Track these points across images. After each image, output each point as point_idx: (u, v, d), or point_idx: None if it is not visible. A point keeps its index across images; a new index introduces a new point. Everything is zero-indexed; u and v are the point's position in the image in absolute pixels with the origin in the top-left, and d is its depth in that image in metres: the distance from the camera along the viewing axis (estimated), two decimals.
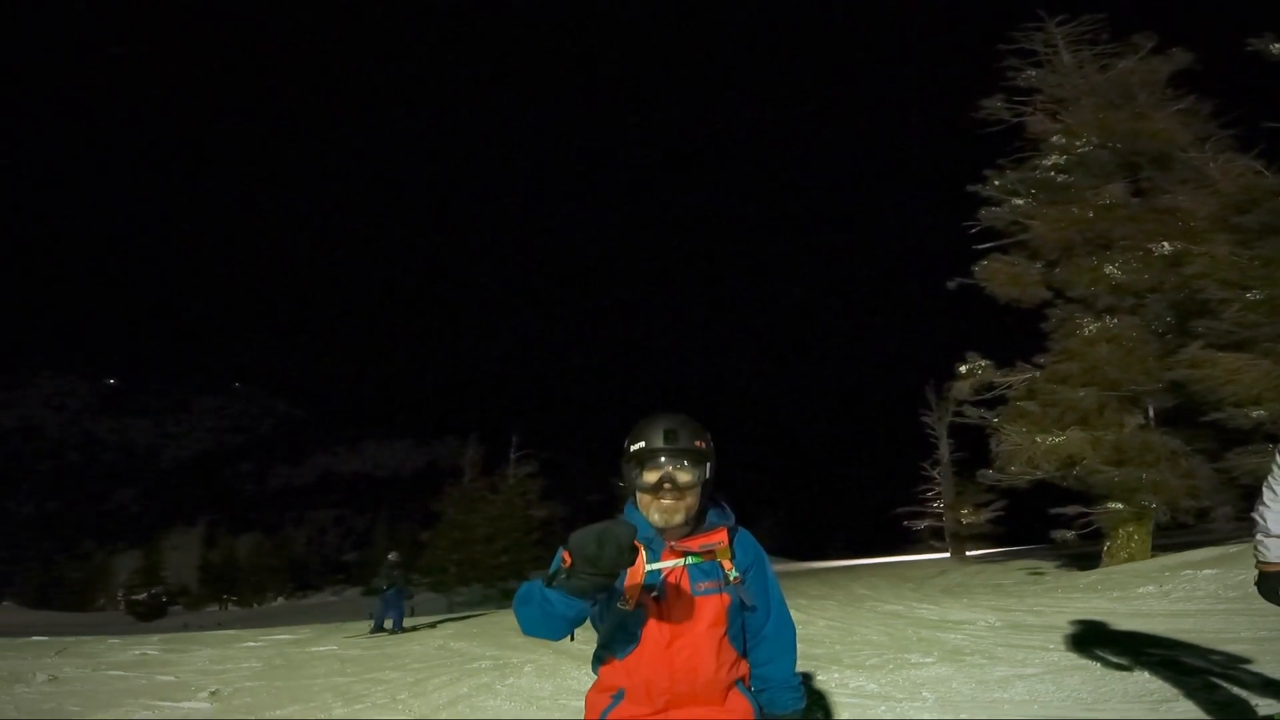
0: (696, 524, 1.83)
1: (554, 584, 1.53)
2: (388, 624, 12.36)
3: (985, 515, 21.39)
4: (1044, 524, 12.37)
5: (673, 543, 1.80)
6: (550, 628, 1.62)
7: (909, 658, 5.55)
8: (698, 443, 1.78)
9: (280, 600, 57.49)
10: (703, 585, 1.76)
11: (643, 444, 1.78)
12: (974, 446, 19.01)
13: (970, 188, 12.88)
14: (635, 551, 1.50)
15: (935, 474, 22.73)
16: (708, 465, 1.79)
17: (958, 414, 13.38)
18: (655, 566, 1.79)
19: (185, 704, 5.01)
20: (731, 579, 1.79)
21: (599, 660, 1.87)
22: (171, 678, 6.17)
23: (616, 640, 1.81)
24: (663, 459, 1.76)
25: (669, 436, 1.76)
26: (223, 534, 70.82)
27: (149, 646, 8.49)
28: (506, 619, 12.42)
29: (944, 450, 22.27)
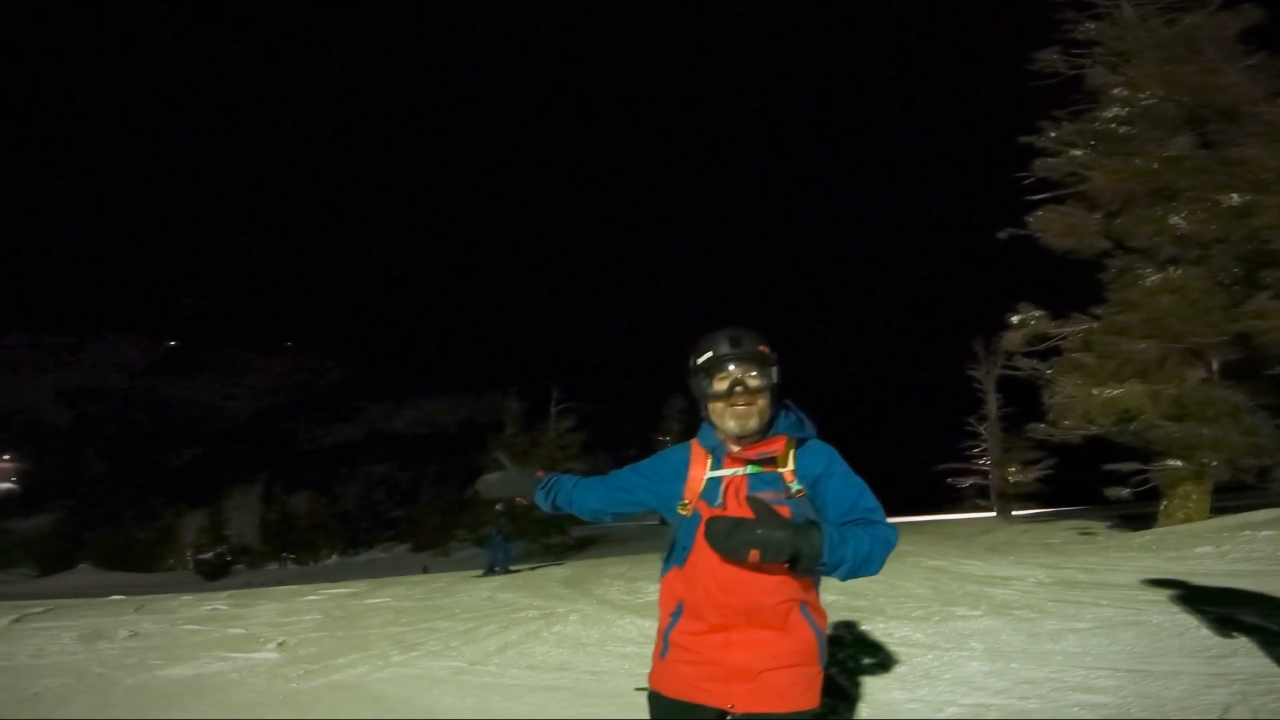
0: (764, 432, 1.80)
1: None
2: (496, 567, 13.69)
3: (1033, 473, 20.97)
4: (1095, 483, 12.11)
5: (734, 451, 1.79)
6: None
7: (955, 610, 5.51)
8: (761, 348, 1.79)
9: (334, 558, 59.29)
10: (761, 495, 1.72)
11: (710, 354, 1.80)
12: (1023, 401, 18.57)
13: (1023, 139, 12.44)
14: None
15: (981, 430, 22.18)
16: (774, 370, 1.79)
17: (1008, 367, 13.11)
18: (716, 474, 1.80)
19: (256, 655, 5.24)
20: (793, 491, 1.75)
21: (664, 569, 1.89)
22: (241, 630, 6.45)
23: (675, 547, 1.84)
24: (730, 365, 1.78)
25: (734, 342, 1.78)
26: (279, 492, 73.49)
27: (219, 602, 8.89)
28: (550, 572, 12.74)
29: (991, 405, 21.68)
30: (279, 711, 3.67)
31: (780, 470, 1.78)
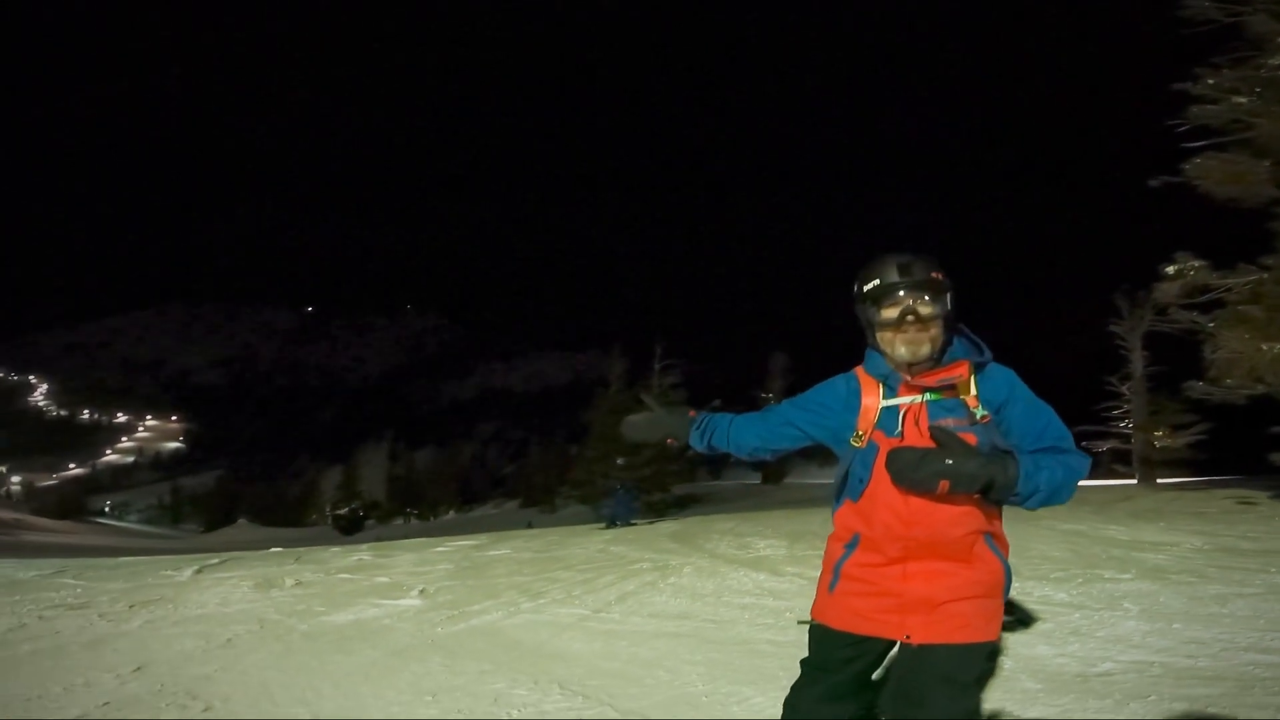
0: (940, 359, 1.73)
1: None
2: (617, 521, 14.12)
3: (1183, 438, 19.08)
4: (1254, 449, 11.07)
5: (910, 378, 1.72)
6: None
7: (1101, 573, 5.16)
8: (934, 274, 1.70)
9: (451, 513, 62.38)
10: (943, 423, 1.66)
11: (877, 281, 1.73)
12: (1172, 360, 16.90)
13: (1177, 86, 11.37)
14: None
15: (1124, 390, 20.30)
16: (947, 297, 1.71)
17: (1160, 319, 12.00)
18: (891, 403, 1.74)
19: (402, 601, 5.65)
20: (978, 417, 1.67)
21: (835, 504, 1.84)
22: (386, 579, 6.93)
23: (850, 479, 1.78)
24: (901, 292, 1.70)
25: (904, 270, 1.70)
26: (404, 449, 78.28)
27: (363, 553, 9.58)
28: (658, 528, 12.94)
29: (1136, 363, 19.76)
30: (429, 654, 3.93)
31: (963, 396, 1.69)
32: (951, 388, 1.70)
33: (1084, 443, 20.70)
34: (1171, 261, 11.27)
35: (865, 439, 1.74)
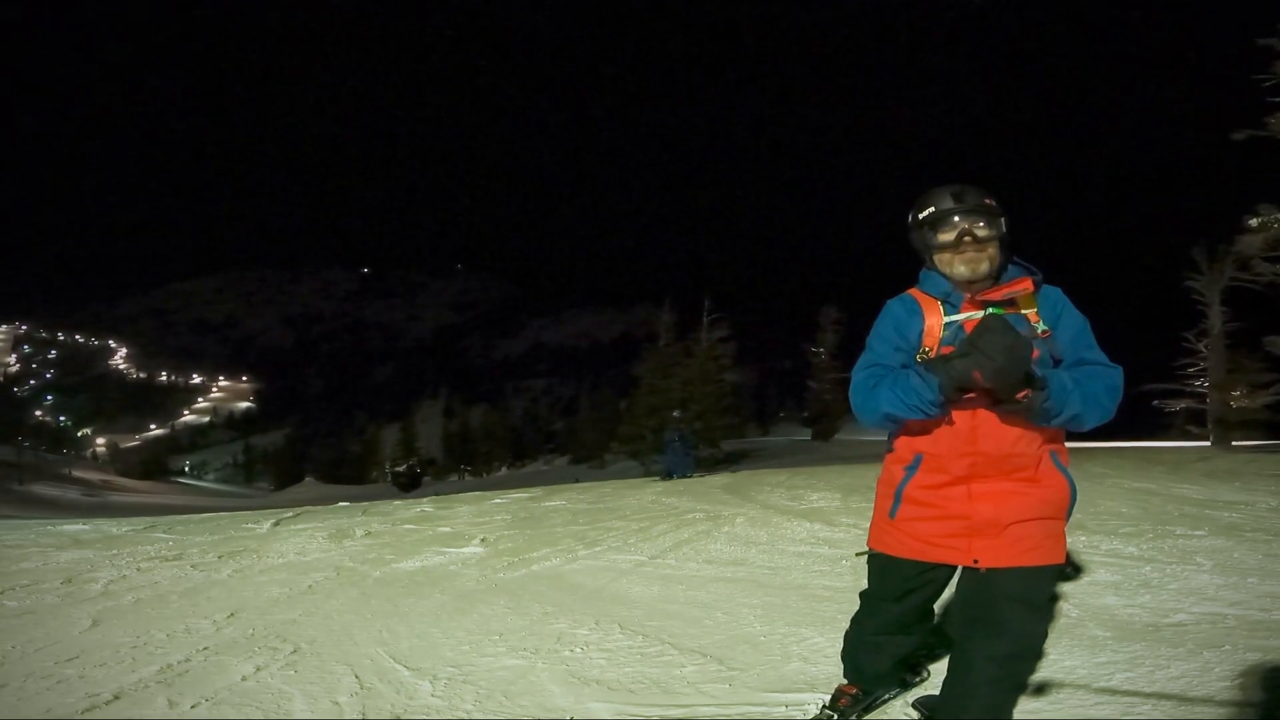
0: (997, 278, 1.78)
1: (934, 365, 1.60)
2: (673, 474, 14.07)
3: (1262, 398, 18.08)
4: None
5: (971, 295, 1.75)
6: (899, 404, 1.65)
7: (1172, 529, 5.02)
8: (986, 200, 1.76)
9: (504, 470, 63.76)
10: None
11: (933, 208, 1.79)
12: (1253, 316, 15.95)
13: (1263, 41, 10.87)
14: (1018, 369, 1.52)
15: (1201, 347, 19.24)
16: (1001, 220, 1.76)
17: (1241, 274, 11.36)
18: (954, 318, 1.76)
19: (465, 549, 5.87)
20: (1039, 331, 1.69)
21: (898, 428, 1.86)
22: (449, 529, 7.20)
23: None
24: (956, 217, 1.76)
25: (958, 196, 1.77)
26: (458, 406, 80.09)
27: (424, 505, 9.95)
28: (709, 481, 13.02)
29: (1215, 319, 18.67)
30: (495, 596, 4.08)
31: (1024, 311, 1.72)
32: (1013, 303, 1.73)
33: (1155, 402, 19.84)
34: (1255, 214, 10.71)
35: (934, 355, 1.75)
